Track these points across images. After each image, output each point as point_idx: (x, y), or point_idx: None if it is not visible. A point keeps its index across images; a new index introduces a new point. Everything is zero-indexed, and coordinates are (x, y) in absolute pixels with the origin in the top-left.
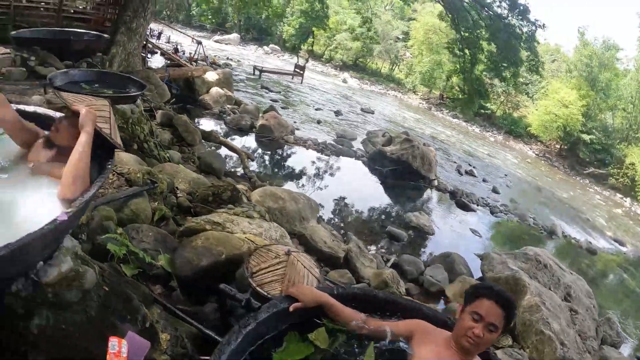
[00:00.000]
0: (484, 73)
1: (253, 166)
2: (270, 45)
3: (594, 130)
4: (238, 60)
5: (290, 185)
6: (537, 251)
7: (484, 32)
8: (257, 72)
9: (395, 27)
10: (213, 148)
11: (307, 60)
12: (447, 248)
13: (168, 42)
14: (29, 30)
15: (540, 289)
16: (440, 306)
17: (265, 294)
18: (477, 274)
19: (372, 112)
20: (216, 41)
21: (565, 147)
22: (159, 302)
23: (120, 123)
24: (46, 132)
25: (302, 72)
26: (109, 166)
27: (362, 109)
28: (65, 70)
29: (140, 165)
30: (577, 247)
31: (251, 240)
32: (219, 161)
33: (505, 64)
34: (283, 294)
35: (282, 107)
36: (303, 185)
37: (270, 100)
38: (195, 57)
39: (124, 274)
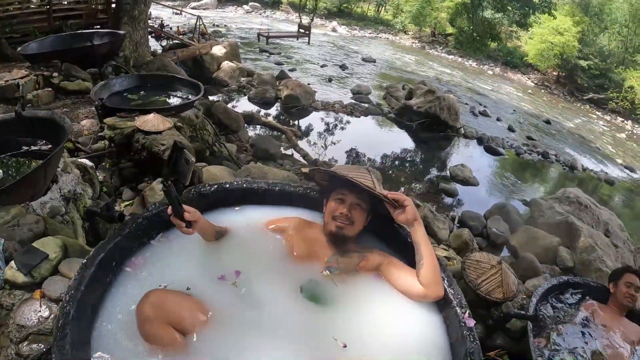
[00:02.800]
0: (494, 15)
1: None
2: (250, 4)
3: (590, 55)
4: (225, 25)
5: (339, 156)
6: (576, 192)
7: None
8: (262, 39)
9: None
10: (259, 131)
11: (312, 19)
12: (494, 197)
13: (149, 19)
14: (36, 42)
15: (590, 230)
16: (505, 254)
17: (494, 299)
18: (529, 221)
19: (374, 61)
20: (193, 8)
21: (563, 75)
22: None
23: (190, 132)
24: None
25: (307, 32)
26: None
27: (363, 59)
28: (103, 82)
29: (235, 177)
30: (596, 179)
31: None
32: (273, 145)
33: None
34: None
35: (289, 70)
36: (349, 153)
37: (275, 64)
38: (197, 32)
39: None
